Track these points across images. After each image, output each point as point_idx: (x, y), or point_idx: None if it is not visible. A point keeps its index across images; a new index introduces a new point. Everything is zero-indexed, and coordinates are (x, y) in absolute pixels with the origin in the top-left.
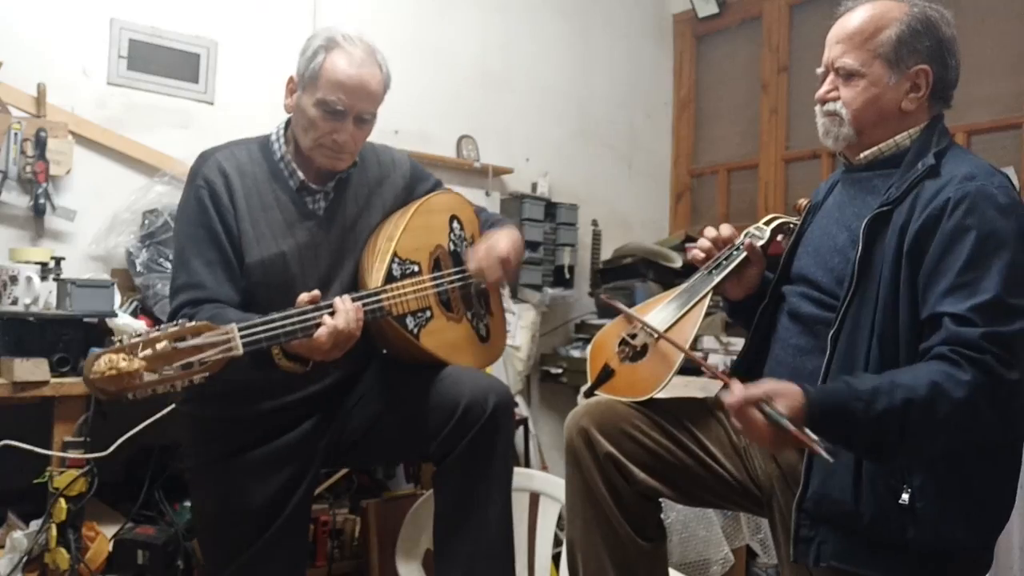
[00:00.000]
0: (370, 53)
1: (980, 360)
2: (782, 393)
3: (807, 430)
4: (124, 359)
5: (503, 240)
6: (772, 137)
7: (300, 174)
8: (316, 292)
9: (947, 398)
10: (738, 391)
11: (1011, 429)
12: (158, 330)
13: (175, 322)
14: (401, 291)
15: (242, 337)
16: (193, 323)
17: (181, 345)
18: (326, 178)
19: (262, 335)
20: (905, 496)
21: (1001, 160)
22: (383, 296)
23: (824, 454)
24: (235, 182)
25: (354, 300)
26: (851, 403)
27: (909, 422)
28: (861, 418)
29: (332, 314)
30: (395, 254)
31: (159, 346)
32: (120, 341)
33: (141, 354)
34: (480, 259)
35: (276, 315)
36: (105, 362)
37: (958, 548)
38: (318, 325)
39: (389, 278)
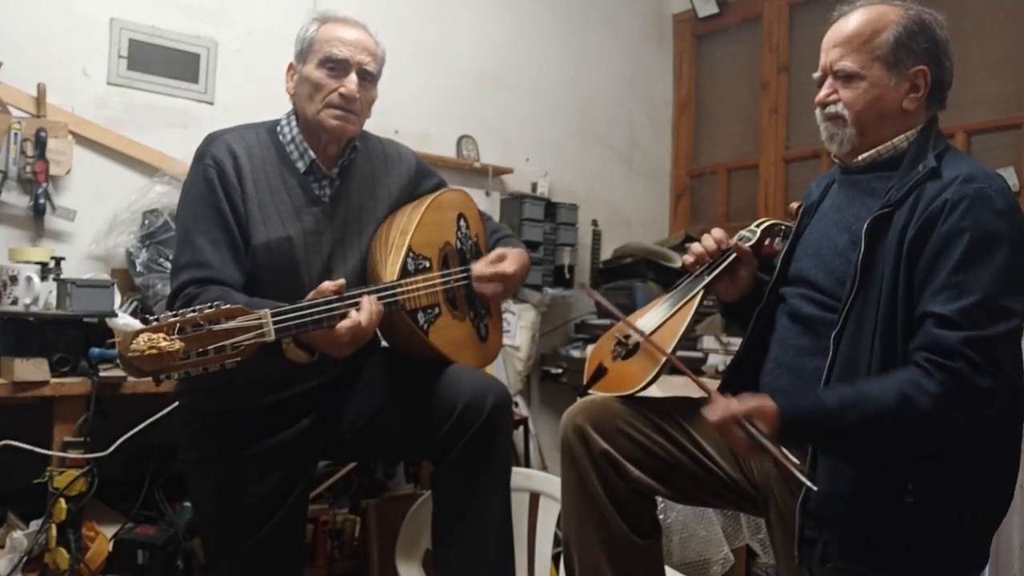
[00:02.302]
0: (364, 24)
1: (951, 368)
2: (760, 412)
3: (784, 451)
4: (165, 339)
5: (510, 263)
6: (772, 137)
7: (311, 153)
8: (341, 282)
9: (915, 409)
10: (720, 409)
11: (1006, 422)
12: (194, 310)
13: (210, 304)
14: (414, 286)
15: (275, 323)
16: (228, 306)
17: (216, 328)
18: (334, 159)
19: (292, 322)
20: (909, 497)
21: (1001, 160)
22: (398, 290)
23: (805, 481)
24: (244, 163)
25: (371, 293)
26: (822, 419)
27: (879, 433)
28: (831, 431)
29: (358, 309)
30: (410, 248)
31: (195, 327)
32: (156, 320)
33: (180, 335)
34: (483, 273)
35: (304, 303)
36: (145, 340)
37: (960, 546)
38: (343, 316)
39: (404, 272)
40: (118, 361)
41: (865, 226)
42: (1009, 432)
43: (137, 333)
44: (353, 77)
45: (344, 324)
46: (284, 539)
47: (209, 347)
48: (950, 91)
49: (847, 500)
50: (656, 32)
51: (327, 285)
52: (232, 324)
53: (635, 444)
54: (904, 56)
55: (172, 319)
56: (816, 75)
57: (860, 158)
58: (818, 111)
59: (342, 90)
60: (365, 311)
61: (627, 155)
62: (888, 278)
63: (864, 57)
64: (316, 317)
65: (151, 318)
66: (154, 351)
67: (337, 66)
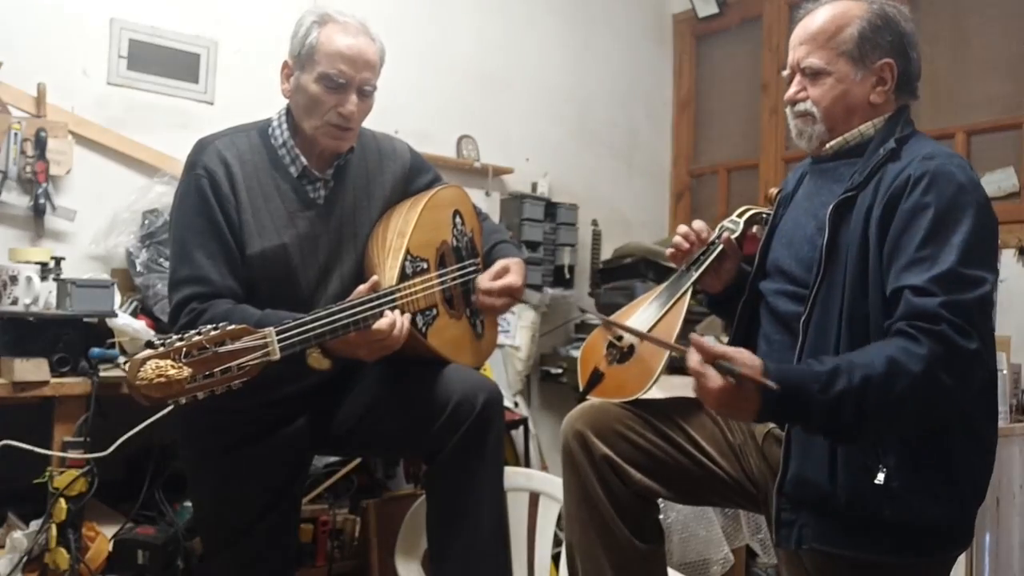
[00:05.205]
0: (363, 25)
1: (936, 331)
2: (746, 357)
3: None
4: (173, 366)
5: (514, 275)
6: (772, 137)
7: (303, 159)
8: (375, 278)
9: (905, 372)
10: (702, 349)
11: (977, 397)
12: (199, 333)
13: (214, 325)
14: (413, 290)
15: (279, 341)
16: (232, 327)
17: (222, 350)
18: (328, 162)
19: (296, 338)
20: (880, 475)
21: (1001, 160)
22: (397, 295)
23: (770, 384)
24: (236, 171)
25: (372, 299)
26: (807, 384)
27: (868, 400)
28: (817, 398)
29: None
30: (408, 251)
31: (201, 350)
32: (162, 345)
33: (186, 359)
34: (487, 293)
35: (308, 316)
36: (153, 368)
37: (935, 525)
38: (347, 327)
39: (402, 276)
40: (126, 388)
41: (829, 210)
42: (985, 409)
43: (144, 360)
44: (353, 98)
45: (383, 322)
46: (277, 534)
47: (215, 369)
48: (949, 90)
49: (819, 481)
50: (656, 32)
51: (361, 288)
52: (237, 345)
53: (635, 447)
54: (869, 50)
55: (179, 344)
56: (785, 73)
57: (828, 146)
58: (788, 109)
59: (341, 110)
60: (399, 324)
61: (627, 155)
62: (853, 260)
63: (829, 53)
64: (320, 331)
65: (156, 343)
66: (162, 380)
67: (337, 87)
